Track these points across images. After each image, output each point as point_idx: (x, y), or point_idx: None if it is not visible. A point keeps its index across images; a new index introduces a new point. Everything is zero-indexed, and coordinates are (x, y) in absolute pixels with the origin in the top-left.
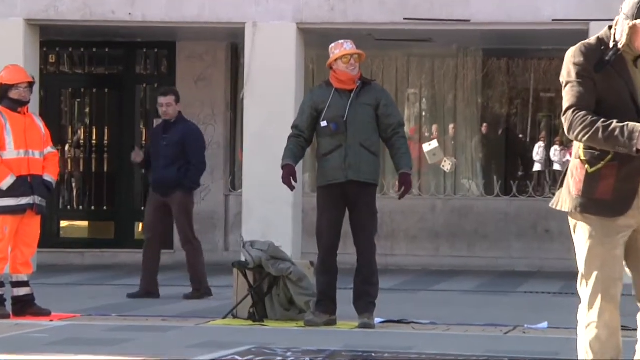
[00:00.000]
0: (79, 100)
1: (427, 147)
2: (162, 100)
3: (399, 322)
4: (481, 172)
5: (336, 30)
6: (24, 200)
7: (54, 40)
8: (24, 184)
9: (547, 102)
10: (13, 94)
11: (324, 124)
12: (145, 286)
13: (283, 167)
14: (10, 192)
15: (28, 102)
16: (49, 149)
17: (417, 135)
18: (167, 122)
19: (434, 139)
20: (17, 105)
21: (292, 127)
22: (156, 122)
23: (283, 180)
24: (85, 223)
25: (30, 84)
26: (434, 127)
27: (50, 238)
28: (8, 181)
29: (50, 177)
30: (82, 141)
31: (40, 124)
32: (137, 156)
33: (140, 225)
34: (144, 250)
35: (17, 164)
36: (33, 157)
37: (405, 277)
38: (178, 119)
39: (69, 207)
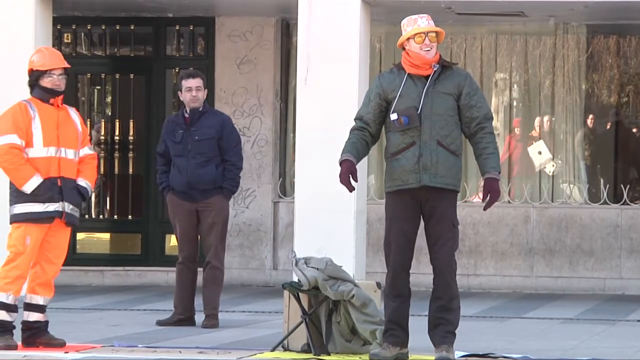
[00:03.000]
0: (98, 87)
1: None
2: (191, 82)
3: (484, 356)
4: (585, 175)
5: (409, 2)
6: (51, 207)
7: (69, 16)
8: (53, 188)
9: None
10: (45, 82)
11: (394, 116)
12: (179, 311)
13: (341, 163)
14: (35, 197)
15: (62, 91)
16: (87, 150)
17: (505, 130)
18: (193, 112)
19: (536, 136)
20: (50, 96)
21: (356, 119)
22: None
23: (340, 179)
24: (106, 235)
25: (66, 71)
26: (537, 121)
27: None
28: (33, 182)
29: (86, 182)
30: (102, 137)
31: (77, 119)
32: None
33: (173, 238)
34: (177, 268)
35: (45, 164)
36: (65, 157)
37: (492, 302)
38: (206, 107)
39: (87, 216)
